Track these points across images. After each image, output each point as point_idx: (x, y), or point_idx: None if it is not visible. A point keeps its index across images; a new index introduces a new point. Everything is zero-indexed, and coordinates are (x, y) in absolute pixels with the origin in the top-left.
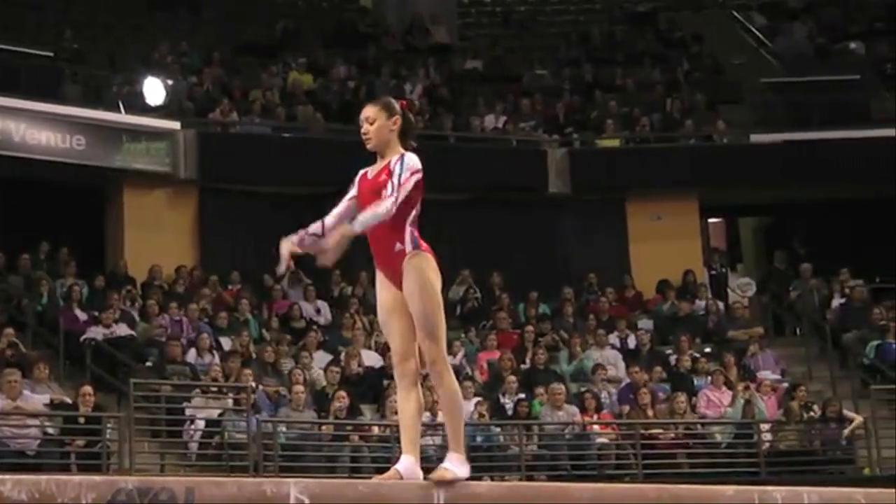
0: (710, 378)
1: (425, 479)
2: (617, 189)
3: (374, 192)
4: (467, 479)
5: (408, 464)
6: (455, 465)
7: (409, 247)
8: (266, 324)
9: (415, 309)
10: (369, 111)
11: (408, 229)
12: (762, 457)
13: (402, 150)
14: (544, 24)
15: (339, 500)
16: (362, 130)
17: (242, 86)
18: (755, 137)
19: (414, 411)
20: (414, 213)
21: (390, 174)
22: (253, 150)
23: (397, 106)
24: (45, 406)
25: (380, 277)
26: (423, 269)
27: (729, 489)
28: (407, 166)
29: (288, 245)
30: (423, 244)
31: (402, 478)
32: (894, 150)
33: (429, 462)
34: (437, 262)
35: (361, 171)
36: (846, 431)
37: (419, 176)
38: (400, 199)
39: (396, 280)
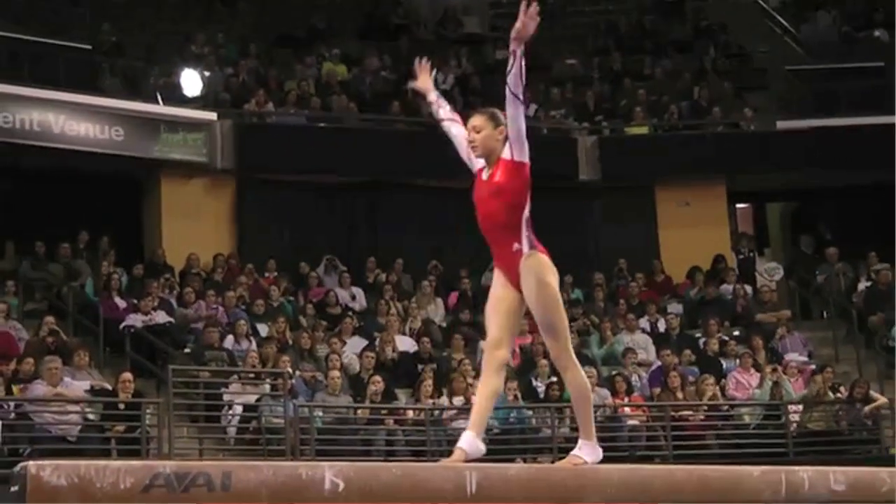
0: (738, 360)
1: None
2: (646, 176)
3: (491, 194)
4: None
5: (468, 438)
6: (585, 453)
7: (525, 247)
8: (302, 310)
9: (535, 310)
10: (477, 121)
11: (524, 230)
12: (790, 437)
13: None
14: (574, 14)
15: (374, 483)
16: (469, 138)
17: (278, 77)
18: (781, 124)
19: (488, 393)
20: (527, 212)
21: (506, 171)
22: (288, 140)
23: (502, 117)
24: (86, 392)
25: (497, 273)
26: (539, 270)
27: (756, 469)
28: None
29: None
30: (539, 245)
31: (466, 453)
32: None
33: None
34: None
35: (478, 167)
36: (867, 409)
37: (528, 165)
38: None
39: (513, 279)
